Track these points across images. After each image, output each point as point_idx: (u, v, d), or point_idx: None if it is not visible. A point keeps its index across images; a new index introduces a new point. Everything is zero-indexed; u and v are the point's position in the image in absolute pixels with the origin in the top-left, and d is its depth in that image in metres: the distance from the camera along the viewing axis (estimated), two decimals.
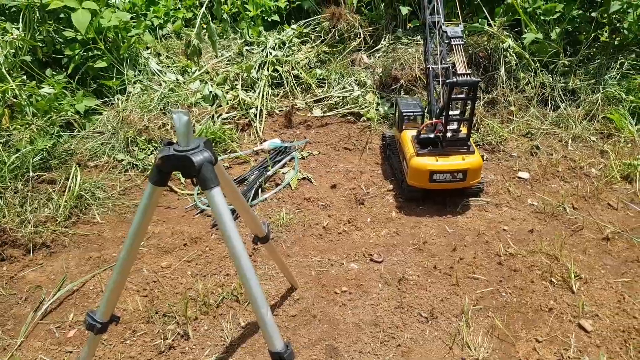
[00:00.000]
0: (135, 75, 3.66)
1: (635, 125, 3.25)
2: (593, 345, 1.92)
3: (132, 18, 4.09)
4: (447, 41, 2.67)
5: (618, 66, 3.48)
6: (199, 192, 2.91)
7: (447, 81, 2.45)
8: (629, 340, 1.92)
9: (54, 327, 2.10)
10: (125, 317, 2.12)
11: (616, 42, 3.59)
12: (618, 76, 3.46)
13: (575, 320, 2.02)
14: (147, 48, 4.08)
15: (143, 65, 3.79)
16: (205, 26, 3.52)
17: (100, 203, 2.83)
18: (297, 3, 4.51)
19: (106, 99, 3.51)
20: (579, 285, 2.18)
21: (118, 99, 3.45)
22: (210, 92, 3.54)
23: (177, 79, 3.83)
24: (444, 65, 2.79)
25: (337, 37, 4.05)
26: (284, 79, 3.80)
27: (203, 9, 3.48)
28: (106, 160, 3.11)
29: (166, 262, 2.42)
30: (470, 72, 2.45)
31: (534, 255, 2.35)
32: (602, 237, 2.45)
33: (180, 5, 5.04)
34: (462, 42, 2.58)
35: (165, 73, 3.90)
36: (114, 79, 3.55)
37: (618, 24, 3.57)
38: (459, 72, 2.45)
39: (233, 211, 2.45)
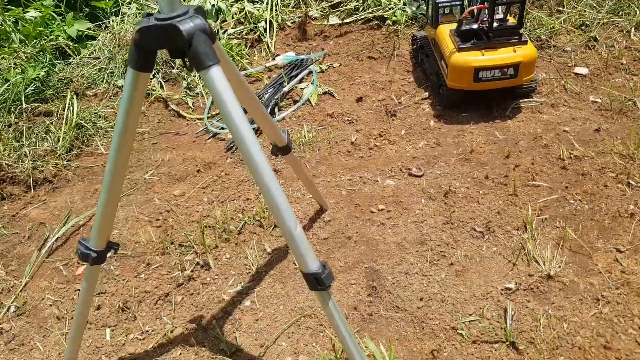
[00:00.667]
0: None
1: None
2: None
3: None
4: None
5: None
6: (209, 115, 2.59)
7: None
8: None
9: (61, 265, 1.88)
10: (138, 250, 1.89)
11: None
12: None
13: None
14: None
15: None
16: None
17: (103, 133, 2.55)
18: None
19: (100, 23, 3.15)
20: None
21: (113, 21, 3.09)
22: (213, 5, 3.14)
23: None
24: None
25: None
26: None
27: None
28: (105, 88, 2.80)
29: (179, 190, 2.16)
30: None
31: (604, 156, 1.99)
32: None
33: None
34: None
35: None
36: (107, 0, 3.17)
37: None
38: None
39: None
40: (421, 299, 1.58)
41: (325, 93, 2.66)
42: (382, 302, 1.59)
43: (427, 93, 2.55)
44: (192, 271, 1.78)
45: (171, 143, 2.48)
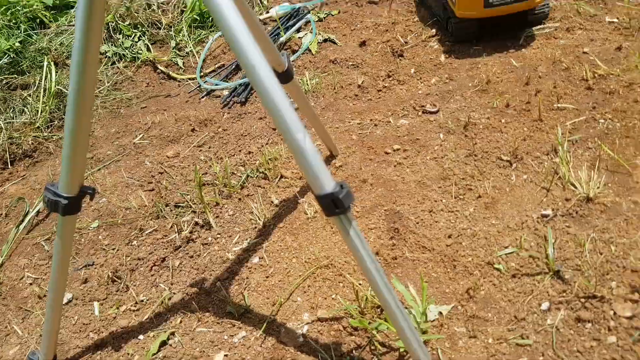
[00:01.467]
0: None
1: None
2: None
3: None
4: None
5: None
6: (201, 74, 2.41)
7: None
8: None
9: (42, 240, 1.72)
10: (128, 217, 1.73)
11: None
12: None
13: None
14: None
15: None
16: None
17: None
18: None
19: None
20: None
21: None
22: None
23: None
24: None
25: None
26: None
27: None
28: None
29: (173, 151, 1.99)
30: None
31: (630, 73, 1.81)
32: None
33: None
34: None
35: None
36: None
37: None
38: None
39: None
40: (449, 237, 1.42)
41: (325, 40, 2.47)
42: (406, 244, 1.43)
43: (434, 30, 2.36)
44: (190, 232, 1.62)
45: (162, 105, 2.31)
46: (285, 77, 1.34)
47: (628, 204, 1.39)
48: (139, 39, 2.63)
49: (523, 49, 2.11)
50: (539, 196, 1.47)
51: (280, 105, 0.87)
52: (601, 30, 2.12)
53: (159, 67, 2.51)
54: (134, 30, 2.66)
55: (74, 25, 2.73)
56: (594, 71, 1.86)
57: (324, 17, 2.64)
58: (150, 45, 2.62)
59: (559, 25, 2.20)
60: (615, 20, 2.15)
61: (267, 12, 2.73)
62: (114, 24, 2.63)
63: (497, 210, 1.46)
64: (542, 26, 2.21)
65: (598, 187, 1.43)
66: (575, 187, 1.45)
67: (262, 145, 1.90)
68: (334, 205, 0.91)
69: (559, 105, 1.76)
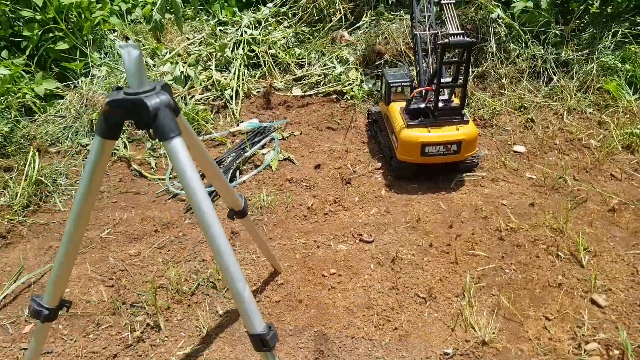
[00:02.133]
0: (100, 58, 3.40)
1: (633, 94, 3.10)
2: (608, 321, 1.74)
3: (96, 1, 3.82)
4: (436, 0, 2.48)
5: (612, 35, 3.33)
6: (170, 176, 2.67)
7: (439, 42, 2.26)
8: None
9: (8, 323, 1.85)
10: (88, 310, 1.88)
11: (609, 11, 3.45)
12: (612, 45, 3.32)
13: (587, 296, 1.84)
14: (114, 31, 3.81)
15: (109, 48, 3.53)
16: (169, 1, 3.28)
17: (62, 190, 2.57)
18: None
19: (69, 83, 3.25)
20: (588, 258, 2.00)
21: (82, 82, 3.19)
22: (182, 72, 3.30)
23: (147, 62, 3.58)
24: (432, 32, 2.60)
25: (315, 15, 3.84)
26: (261, 59, 3.57)
27: None
28: (69, 145, 2.85)
29: (135, 250, 2.18)
30: (463, 32, 2.26)
31: (537, 229, 2.17)
32: (608, 208, 2.28)
33: None
34: (453, 1, 2.39)
35: None
36: (78, 61, 3.29)
37: None
38: (451, 32, 2.25)
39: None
40: None
41: (285, 159, 2.79)
42: None
43: (379, 164, 2.72)
44: (142, 332, 1.79)
45: (131, 202, 2.52)
46: (241, 214, 1.60)
47: (516, 350, 1.66)
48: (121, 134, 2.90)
49: (453, 192, 2.47)
50: (444, 334, 1.72)
51: (227, 259, 1.11)
52: (521, 184, 2.51)
53: (133, 165, 2.76)
54: None
55: (60, 116, 2.99)
56: (507, 223, 2.21)
57: (287, 137, 2.99)
58: (127, 143, 2.89)
59: (486, 174, 2.59)
60: (534, 176, 2.56)
61: (238, 125, 3.06)
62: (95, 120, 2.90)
63: (408, 343, 1.70)
64: (472, 174, 2.59)
65: (494, 333, 1.70)
66: (475, 330, 1.71)
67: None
68: (262, 343, 1.14)
69: (474, 251, 2.07)
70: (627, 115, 2.97)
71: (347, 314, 1.83)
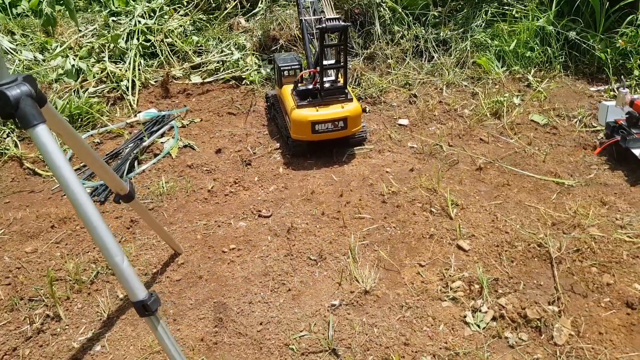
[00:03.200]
0: None
1: (502, 67, 3.47)
2: (471, 262, 2.01)
3: None
4: None
5: (483, 15, 3.69)
6: None
7: (317, 27, 2.43)
8: (502, 253, 2.04)
9: None
10: None
11: None
12: (483, 24, 3.67)
13: (454, 243, 2.11)
14: None
15: None
16: None
17: None
18: None
19: None
20: (456, 211, 2.28)
21: None
22: (73, 65, 3.24)
23: (35, 57, 3.46)
24: (317, 17, 2.77)
25: (212, 2, 3.89)
26: (158, 48, 3.58)
27: None
28: None
29: (31, 247, 2.17)
30: (339, 16, 2.44)
31: (414, 191, 2.42)
32: (476, 167, 2.59)
33: None
34: None
35: (21, 52, 3.51)
36: None
37: None
38: (327, 17, 2.42)
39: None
40: (261, 323, 1.79)
41: (186, 146, 2.86)
42: (226, 331, 1.77)
43: (278, 144, 2.86)
44: (42, 324, 1.81)
45: (25, 201, 2.48)
46: (128, 197, 1.67)
47: (394, 295, 1.88)
48: (8, 135, 2.81)
49: (344, 165, 2.67)
50: (332, 289, 1.91)
51: (101, 234, 1.20)
52: (403, 153, 2.76)
53: (25, 163, 2.70)
54: (2, 127, 2.83)
55: None
56: (389, 188, 2.44)
57: (187, 124, 3.05)
58: (18, 142, 2.81)
59: (374, 147, 2.82)
60: (415, 145, 2.82)
61: (135, 116, 3.07)
62: None
63: (300, 301, 1.87)
64: (361, 147, 2.81)
65: (374, 282, 1.91)
66: (359, 282, 1.92)
67: None
68: (145, 309, 1.24)
69: (360, 215, 2.28)
70: (497, 86, 3.33)
71: (245, 283, 1.96)
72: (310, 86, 2.67)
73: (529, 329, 1.73)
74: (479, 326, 1.73)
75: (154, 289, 1.94)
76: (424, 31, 3.66)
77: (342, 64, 2.55)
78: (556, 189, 2.41)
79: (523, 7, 3.59)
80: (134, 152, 2.70)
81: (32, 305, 1.89)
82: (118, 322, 1.82)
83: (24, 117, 1.13)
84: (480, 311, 1.78)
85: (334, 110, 2.57)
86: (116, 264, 1.21)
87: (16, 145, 2.79)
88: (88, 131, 2.95)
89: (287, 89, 2.76)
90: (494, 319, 1.76)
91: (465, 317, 1.77)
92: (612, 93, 3.19)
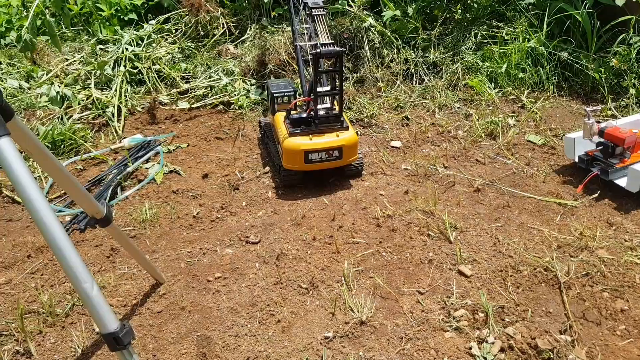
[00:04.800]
0: None
1: (494, 88, 3.43)
2: (474, 289, 1.89)
3: None
4: (308, 12, 2.59)
5: (473, 37, 3.68)
6: (47, 199, 2.52)
7: (311, 52, 2.36)
8: (507, 278, 1.93)
9: None
10: None
11: (469, 17, 3.81)
12: (473, 46, 3.66)
13: (455, 268, 1.99)
14: None
15: None
16: (42, 20, 3.15)
17: None
18: (155, 0, 4.25)
19: None
20: (456, 235, 2.17)
21: None
22: (58, 92, 3.15)
23: (20, 85, 3.39)
24: (312, 43, 2.71)
25: (200, 30, 3.86)
26: (145, 75, 3.51)
27: (37, 0, 3.10)
28: None
29: (5, 278, 2.03)
30: (333, 42, 2.37)
31: (410, 214, 2.32)
32: (473, 189, 2.50)
33: (26, 13, 4.54)
34: (324, 12, 2.51)
35: (6, 80, 3.43)
36: None
37: (468, 0, 3.79)
38: (322, 42, 2.36)
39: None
40: (248, 359, 1.64)
41: (171, 172, 2.75)
42: None
43: (267, 168, 2.76)
44: None
45: (2, 230, 2.35)
46: (104, 222, 1.56)
47: (392, 325, 1.75)
48: None
49: (336, 189, 2.57)
50: (325, 320, 1.78)
51: (69, 258, 1.08)
52: (397, 176, 2.67)
53: (5, 191, 2.57)
54: None
55: None
56: (384, 211, 2.34)
57: (174, 150, 2.96)
58: None
59: (367, 170, 2.72)
60: (409, 167, 2.74)
61: (120, 142, 2.97)
62: None
63: (291, 333, 1.73)
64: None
65: (371, 312, 1.78)
66: (354, 312, 1.79)
67: (94, 273, 2.03)
68: (116, 342, 1.11)
69: (354, 239, 2.17)
70: (490, 107, 3.28)
71: (231, 314, 1.83)
72: (304, 114, 2.57)
73: None
74: (486, 358, 1.60)
75: (133, 322, 1.80)
76: (413, 54, 3.63)
77: (337, 90, 2.46)
78: (559, 210, 2.32)
79: (513, 30, 3.58)
80: (117, 178, 2.58)
81: (1, 341, 1.74)
82: (93, 358, 1.67)
83: None
84: (486, 342, 1.65)
85: (329, 139, 2.46)
86: (83, 290, 1.09)
87: None
88: (71, 157, 2.84)
89: (280, 116, 2.66)
90: (502, 350, 1.63)
91: (470, 348, 1.64)
92: (609, 112, 3.15)
